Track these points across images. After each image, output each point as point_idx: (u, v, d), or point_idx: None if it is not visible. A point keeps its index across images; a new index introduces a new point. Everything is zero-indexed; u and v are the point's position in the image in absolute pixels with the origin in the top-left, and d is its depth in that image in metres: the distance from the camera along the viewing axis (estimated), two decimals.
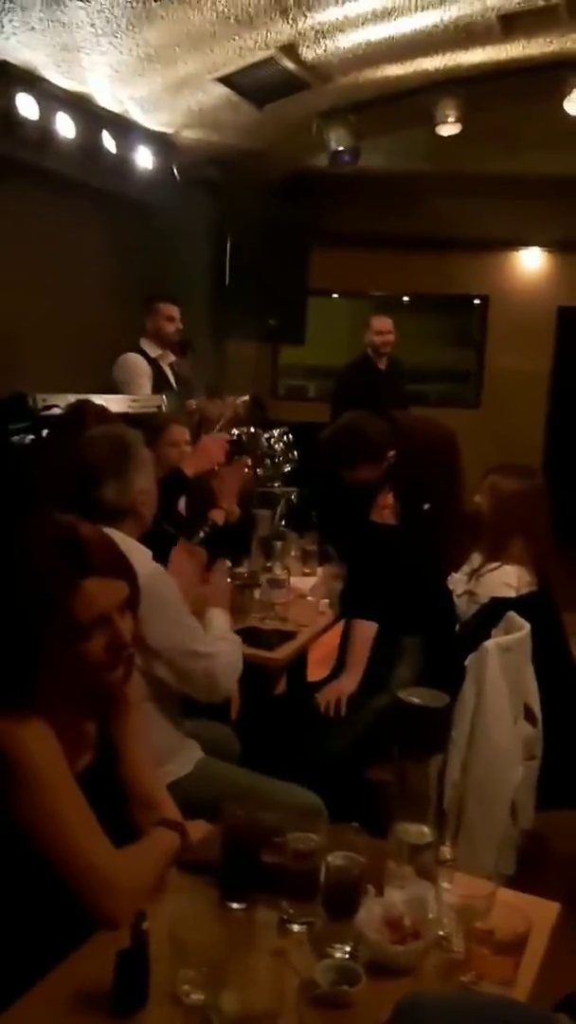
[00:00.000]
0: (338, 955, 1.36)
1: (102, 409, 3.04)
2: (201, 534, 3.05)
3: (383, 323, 5.82)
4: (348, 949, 1.37)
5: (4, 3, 3.67)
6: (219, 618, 2.37)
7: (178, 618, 2.12)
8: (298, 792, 2.18)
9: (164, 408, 4.15)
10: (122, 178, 5.10)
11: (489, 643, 2.41)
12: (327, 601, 3.22)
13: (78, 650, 1.40)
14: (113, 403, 3.60)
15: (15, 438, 3.42)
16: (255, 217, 6.27)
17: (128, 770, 1.54)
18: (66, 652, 1.39)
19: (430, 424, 3.22)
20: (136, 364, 4.56)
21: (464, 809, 2.40)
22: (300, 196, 6.65)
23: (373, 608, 2.84)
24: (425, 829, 1.48)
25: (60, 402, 3.60)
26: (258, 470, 3.85)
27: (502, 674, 2.39)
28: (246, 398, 4.51)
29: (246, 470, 3.56)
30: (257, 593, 3.13)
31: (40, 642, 1.38)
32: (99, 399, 3.44)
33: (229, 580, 2.80)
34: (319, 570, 3.55)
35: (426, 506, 2.92)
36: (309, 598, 3.25)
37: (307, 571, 3.55)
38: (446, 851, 1.49)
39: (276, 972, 1.30)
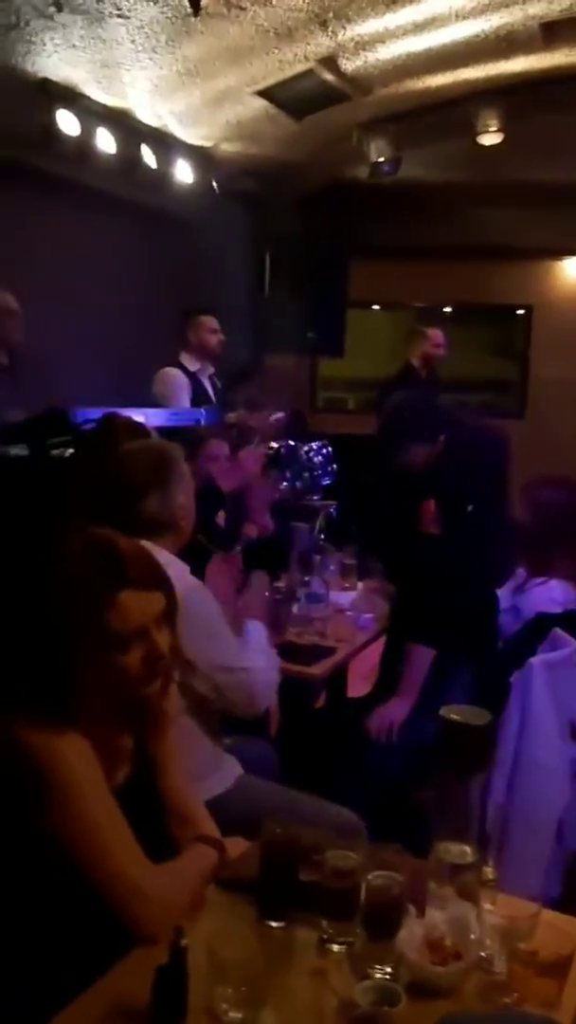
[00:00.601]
0: (378, 975, 1.35)
1: (130, 422, 3.08)
2: (237, 548, 3.08)
3: (439, 335, 5.95)
4: (388, 970, 1.36)
5: (45, 22, 3.76)
6: (257, 631, 2.38)
7: (216, 632, 2.13)
8: (337, 810, 2.17)
9: (203, 422, 4.18)
10: (161, 192, 5.17)
11: (535, 660, 2.39)
12: (369, 616, 3.22)
13: (115, 663, 1.42)
14: (153, 417, 3.64)
15: (56, 451, 3.47)
16: (293, 229, 6.33)
17: (166, 784, 1.55)
18: (103, 665, 1.41)
19: (483, 422, 3.20)
20: (175, 378, 4.62)
21: (508, 829, 2.37)
22: (339, 208, 6.67)
23: (431, 633, 2.79)
24: (467, 849, 1.47)
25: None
26: (297, 483, 3.86)
27: (548, 692, 2.36)
28: (280, 415, 4.54)
29: (283, 484, 3.58)
30: (295, 607, 3.13)
31: (77, 654, 1.40)
32: (138, 413, 3.48)
33: (267, 593, 2.81)
34: (359, 584, 3.54)
35: (470, 507, 2.89)
36: (348, 613, 3.25)
37: (347, 585, 3.55)
38: (488, 871, 1.48)
39: (315, 992, 1.30)
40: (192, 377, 4.71)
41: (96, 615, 1.40)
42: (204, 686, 2.11)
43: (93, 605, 1.41)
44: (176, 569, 2.10)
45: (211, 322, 4.74)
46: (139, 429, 2.99)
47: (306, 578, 3.34)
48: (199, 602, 2.09)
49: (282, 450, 3.91)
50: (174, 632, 1.52)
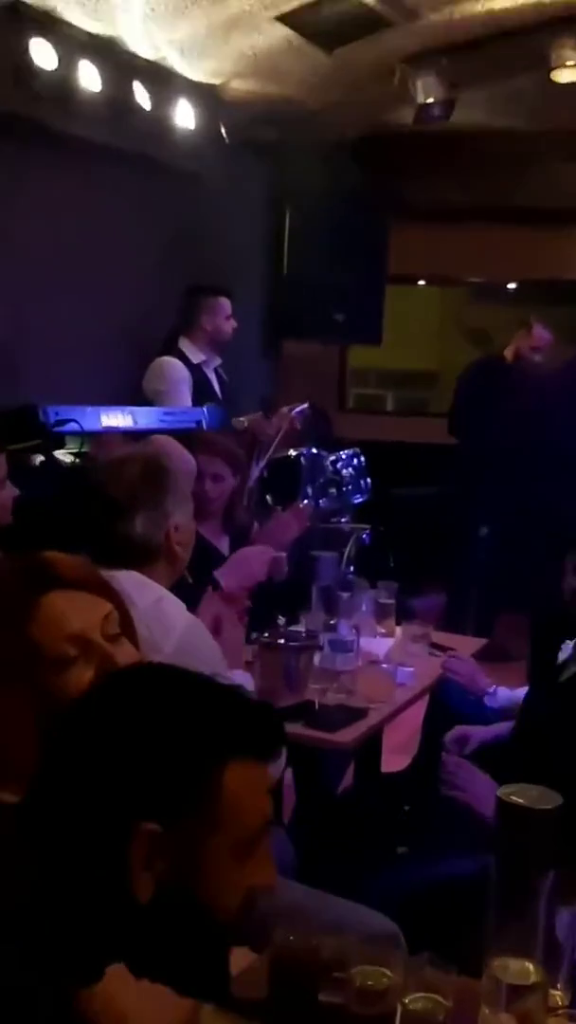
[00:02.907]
0: None
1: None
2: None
3: (545, 336, 6.03)
4: None
5: None
6: (242, 680, 2.42)
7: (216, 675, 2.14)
8: (367, 915, 2.16)
9: (205, 424, 4.21)
10: (157, 140, 5.20)
11: None
12: (409, 671, 3.22)
13: (52, 687, 1.35)
14: (142, 417, 3.66)
15: (32, 457, 3.49)
16: (320, 188, 6.37)
17: None
18: (37, 695, 1.34)
19: None
20: (174, 370, 4.67)
21: None
22: (378, 161, 6.72)
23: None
24: (530, 966, 1.46)
25: (78, 416, 3.68)
26: (320, 501, 3.87)
27: None
28: (305, 406, 4.56)
29: (304, 503, 3.59)
30: (317, 658, 3.12)
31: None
32: (124, 413, 3.51)
33: (257, 637, 2.85)
34: (398, 630, 3.54)
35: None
36: (384, 666, 3.23)
37: (382, 631, 3.55)
38: (557, 996, 1.47)
39: None
40: (195, 370, 4.75)
41: (15, 628, 1.36)
42: None
43: (8, 616, 1.37)
44: (170, 607, 2.12)
45: (227, 305, 4.80)
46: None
47: (331, 621, 3.33)
48: (198, 650, 2.10)
49: (302, 459, 3.92)
50: (137, 647, 1.51)
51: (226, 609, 2.66)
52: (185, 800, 1.13)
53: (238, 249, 6.18)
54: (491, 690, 3.17)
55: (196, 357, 4.80)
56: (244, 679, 2.40)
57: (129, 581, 2.05)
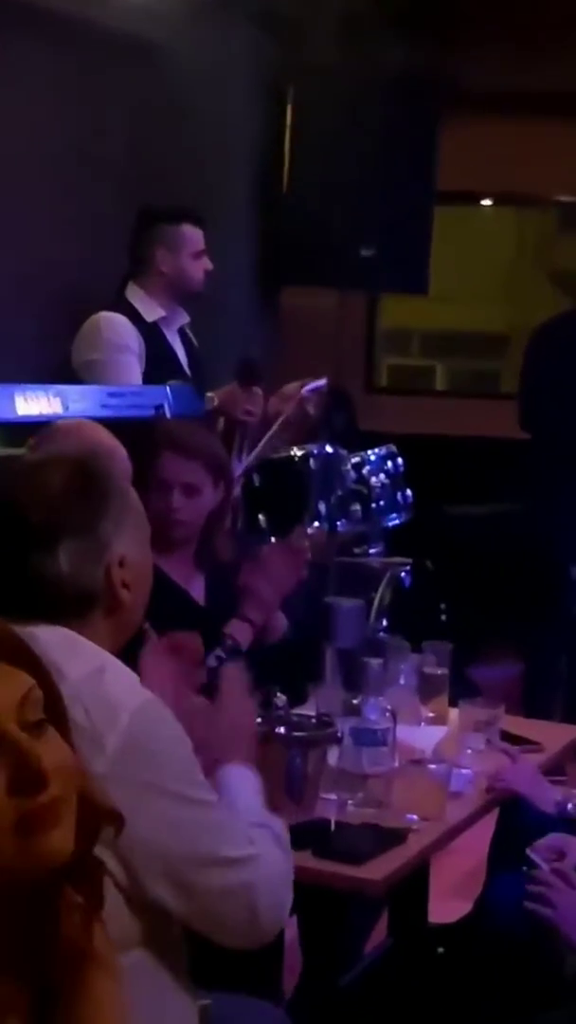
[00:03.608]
0: None
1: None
2: (213, 659, 3.14)
3: None
4: None
5: None
6: (240, 784, 2.38)
7: (187, 792, 2.13)
8: None
9: (168, 410, 4.19)
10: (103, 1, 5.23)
11: None
12: (468, 772, 3.21)
13: None
14: (74, 400, 3.65)
15: None
16: (339, 67, 6.39)
17: None
18: None
19: None
20: (114, 331, 4.65)
21: None
22: (421, 31, 6.75)
23: None
24: None
25: None
26: (338, 523, 3.86)
27: None
28: (320, 384, 4.55)
29: (313, 526, 3.58)
30: (333, 756, 3.11)
31: None
32: (50, 393, 3.51)
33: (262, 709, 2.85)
34: (453, 713, 3.54)
35: None
36: (432, 766, 3.22)
37: (430, 714, 3.55)
38: None
39: None
40: (150, 331, 4.74)
41: None
42: (166, 892, 2.09)
43: None
44: (116, 678, 2.11)
45: (195, 237, 4.79)
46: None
47: (354, 700, 3.32)
48: (157, 737, 2.09)
49: (311, 460, 3.92)
50: (70, 741, 1.51)
51: (173, 665, 2.65)
52: None
53: (219, 158, 6.17)
54: (569, 806, 3.18)
55: (151, 313, 4.77)
56: (245, 779, 2.38)
57: (56, 643, 2.03)
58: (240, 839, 2.18)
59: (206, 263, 4.84)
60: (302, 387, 4.49)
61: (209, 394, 4.57)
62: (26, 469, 2.32)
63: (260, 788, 2.42)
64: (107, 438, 3.01)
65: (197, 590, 3.62)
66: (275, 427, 4.26)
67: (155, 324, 4.78)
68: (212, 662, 3.14)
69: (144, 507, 2.36)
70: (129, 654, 2.35)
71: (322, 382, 4.59)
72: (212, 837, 2.14)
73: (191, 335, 4.99)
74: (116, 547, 2.21)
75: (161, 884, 2.08)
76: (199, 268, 4.82)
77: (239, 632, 3.40)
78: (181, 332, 4.93)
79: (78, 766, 1.50)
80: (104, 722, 2.03)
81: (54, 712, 1.50)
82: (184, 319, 4.95)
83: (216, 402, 4.54)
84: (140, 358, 4.64)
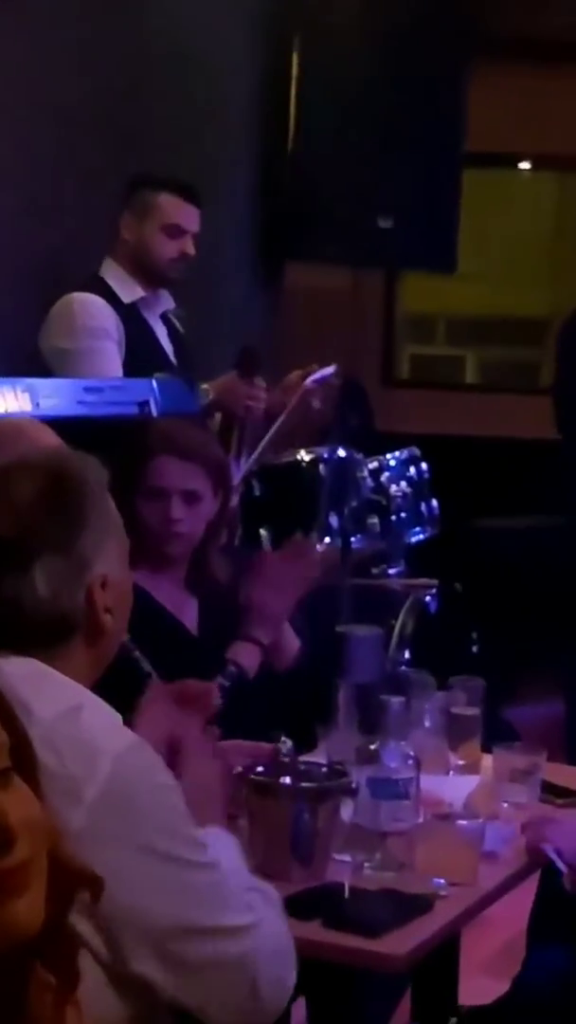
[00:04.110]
0: None
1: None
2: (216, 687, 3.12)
3: None
4: None
5: None
6: (220, 846, 2.36)
7: (176, 851, 2.13)
8: None
9: (154, 407, 4.21)
10: None
11: None
12: (509, 829, 3.20)
13: None
14: (45, 395, 3.66)
15: None
16: (349, 15, 6.42)
17: None
18: None
19: None
20: (88, 314, 4.66)
21: None
22: None
23: None
24: None
25: None
26: (353, 539, 3.87)
27: None
28: (327, 372, 4.56)
29: (324, 542, 3.59)
30: (347, 810, 3.11)
31: None
32: (16, 388, 3.51)
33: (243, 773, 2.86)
34: (487, 759, 3.54)
35: None
36: (463, 823, 3.22)
37: (460, 761, 3.55)
38: None
39: None
40: (128, 313, 4.75)
41: None
42: (153, 967, 2.10)
43: None
44: (95, 718, 2.12)
45: (173, 210, 4.78)
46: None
47: (371, 745, 3.32)
48: (146, 789, 2.09)
49: (321, 465, 3.94)
50: (39, 792, 1.52)
51: (183, 714, 2.65)
52: None
53: (215, 113, 6.19)
54: None
55: (129, 293, 4.78)
56: (226, 842, 2.38)
57: (25, 677, 2.04)
58: (237, 904, 2.19)
59: (185, 246, 4.80)
60: (305, 376, 4.49)
61: (204, 386, 4.56)
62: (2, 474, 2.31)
63: (241, 852, 2.41)
64: (53, 440, 3.00)
65: (189, 617, 3.61)
66: (277, 424, 4.26)
67: (133, 305, 4.78)
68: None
69: (133, 520, 2.36)
70: (116, 694, 2.35)
71: (330, 370, 4.59)
72: (205, 902, 2.14)
73: (176, 322, 4.99)
74: (97, 566, 2.21)
75: (147, 957, 2.09)
76: (170, 246, 4.77)
77: (244, 655, 3.39)
78: (165, 318, 4.94)
79: (49, 821, 1.51)
80: (81, 769, 2.03)
81: (21, 758, 1.51)
82: (168, 304, 4.95)
83: (212, 395, 4.53)
84: (120, 344, 4.65)
